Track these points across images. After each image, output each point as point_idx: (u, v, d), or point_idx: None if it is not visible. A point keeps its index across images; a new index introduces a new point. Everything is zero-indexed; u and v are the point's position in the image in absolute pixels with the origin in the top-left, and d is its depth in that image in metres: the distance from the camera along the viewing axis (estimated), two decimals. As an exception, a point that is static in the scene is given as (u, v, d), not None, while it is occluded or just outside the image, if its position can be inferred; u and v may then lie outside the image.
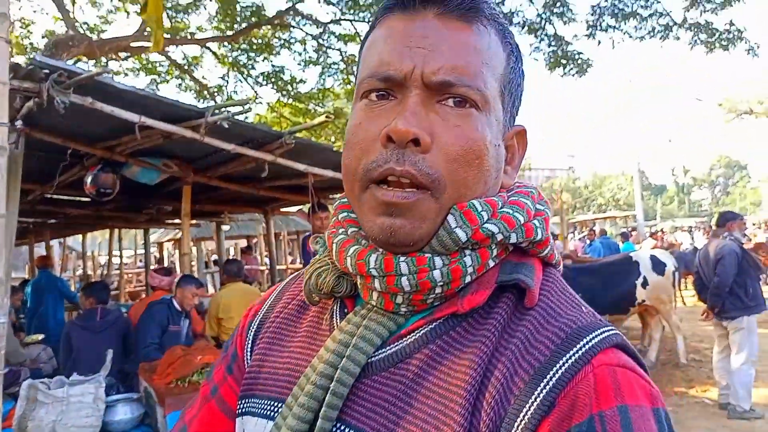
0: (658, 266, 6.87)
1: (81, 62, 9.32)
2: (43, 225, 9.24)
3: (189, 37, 11.38)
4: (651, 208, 51.21)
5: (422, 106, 0.60)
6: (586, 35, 10.27)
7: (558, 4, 9.99)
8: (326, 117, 5.12)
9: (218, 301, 5.11)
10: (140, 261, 17.92)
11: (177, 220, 7.95)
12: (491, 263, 0.63)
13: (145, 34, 9.44)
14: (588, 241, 13.13)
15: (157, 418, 3.49)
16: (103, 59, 9.72)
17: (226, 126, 3.78)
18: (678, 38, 10.01)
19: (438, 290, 0.61)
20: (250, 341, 0.78)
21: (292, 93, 12.17)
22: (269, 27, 11.39)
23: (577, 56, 10.40)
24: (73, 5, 10.30)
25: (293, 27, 11.47)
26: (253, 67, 12.07)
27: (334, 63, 11.97)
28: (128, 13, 11.22)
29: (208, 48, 11.75)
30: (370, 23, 0.69)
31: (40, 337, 5.81)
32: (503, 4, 10.19)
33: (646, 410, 0.52)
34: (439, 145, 0.59)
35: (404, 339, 0.63)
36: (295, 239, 15.20)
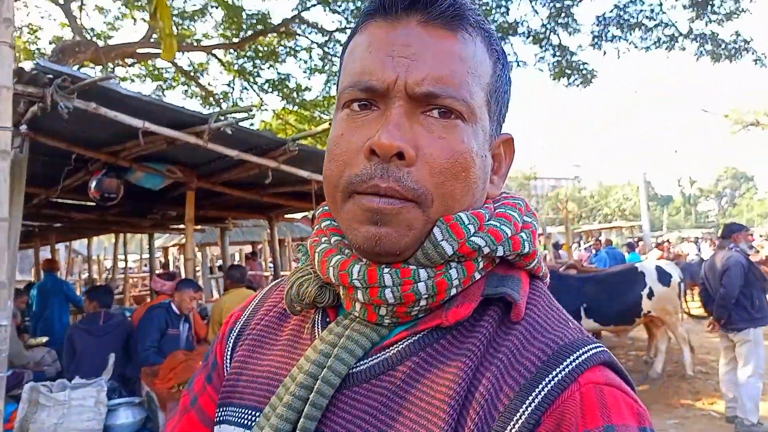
0: (663, 277, 6.82)
1: (87, 68, 9.39)
2: (48, 229, 9.26)
3: (195, 44, 11.44)
4: (657, 218, 51.04)
5: (406, 117, 0.58)
6: (591, 45, 10.28)
7: (563, 14, 10.01)
8: (330, 124, 5.13)
9: (221, 306, 5.10)
10: (145, 265, 17.96)
11: (181, 226, 7.97)
12: (477, 276, 0.62)
13: (152, 40, 9.51)
14: (593, 251, 13.06)
15: (158, 423, 3.48)
16: (110, 65, 9.78)
17: (230, 132, 3.79)
18: (684, 49, 10.00)
19: (423, 302, 0.60)
20: (229, 349, 0.77)
21: (298, 101, 12.22)
22: (275, 35, 11.46)
23: (581, 66, 10.40)
24: (81, 12, 10.39)
25: (299, 35, 11.53)
26: (258, 75, 12.13)
27: (340, 71, 11.97)
28: (135, 19, 11.31)
29: (214, 55, 11.82)
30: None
31: (45, 339, 5.82)
32: (507, 14, 10.22)
33: (633, 430, 0.51)
34: (425, 158, 0.57)
35: (387, 350, 0.61)
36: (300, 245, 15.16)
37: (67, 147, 4.03)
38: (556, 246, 15.30)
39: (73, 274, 15.81)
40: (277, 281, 0.84)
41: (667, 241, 23.42)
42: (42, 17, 17.64)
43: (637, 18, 9.99)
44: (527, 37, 10.47)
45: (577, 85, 10.63)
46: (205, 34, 12.10)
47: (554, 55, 10.54)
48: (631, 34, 10.18)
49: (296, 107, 12.47)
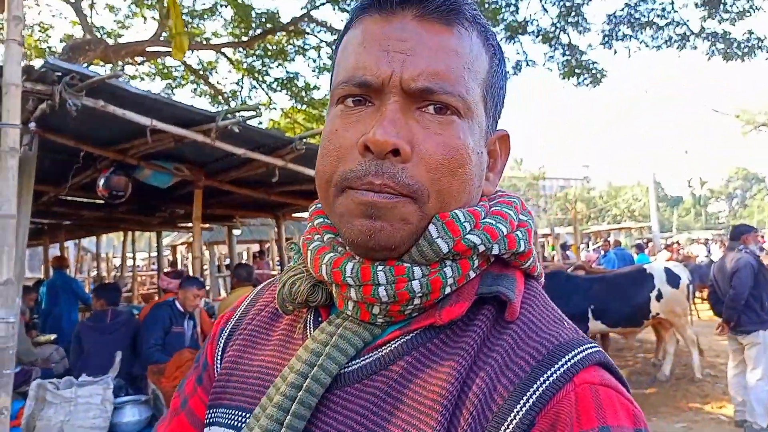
0: (672, 279, 6.77)
1: (97, 66, 9.44)
2: (57, 226, 9.32)
3: (204, 42, 11.48)
4: (667, 219, 50.73)
5: (401, 113, 0.57)
6: (601, 44, 10.22)
7: (573, 13, 9.95)
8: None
9: (228, 305, 5.11)
10: (153, 263, 18.06)
11: (189, 224, 7.99)
12: (472, 274, 0.61)
13: (161, 39, 9.54)
14: (602, 252, 13.00)
15: (164, 422, 3.48)
16: (119, 63, 9.83)
17: (237, 130, 3.79)
18: (695, 48, 9.94)
19: (416, 301, 0.59)
20: (220, 349, 0.76)
21: (306, 99, 12.22)
22: (284, 33, 11.47)
23: (591, 66, 10.34)
24: (91, 10, 10.45)
25: (308, 34, 11.54)
26: (267, 73, 12.15)
27: (348, 70, 11.97)
28: (145, 18, 11.36)
29: (223, 53, 11.85)
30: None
31: (53, 336, 5.86)
32: (517, 13, 10.18)
33: (628, 431, 0.50)
34: (420, 154, 0.57)
35: (379, 350, 0.61)
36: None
37: (75, 144, 4.04)
38: (564, 247, 15.24)
39: (83, 271, 15.92)
40: (269, 281, 0.83)
41: (677, 242, 23.27)
42: (53, 15, 17.81)
43: (648, 17, 9.93)
44: (537, 36, 10.43)
45: (587, 85, 10.58)
46: (215, 32, 12.14)
47: (564, 54, 10.49)
48: (642, 33, 10.13)
49: (305, 106, 12.48)
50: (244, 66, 12.03)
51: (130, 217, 8.00)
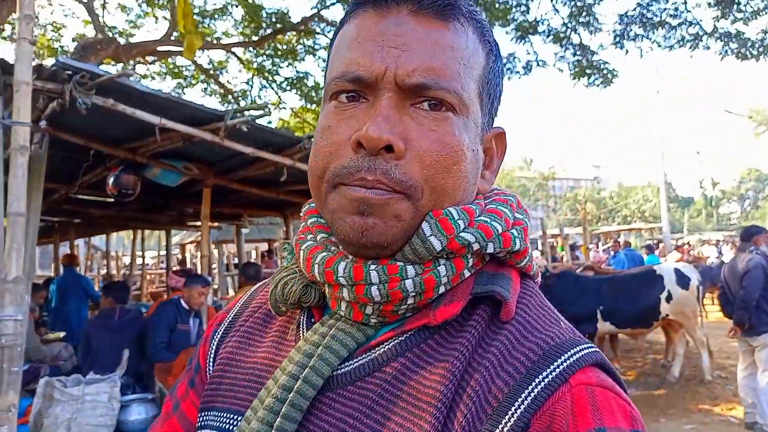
0: (682, 280, 6.72)
1: (109, 66, 9.49)
2: (67, 224, 9.39)
3: (215, 42, 11.52)
4: (678, 220, 50.30)
5: (395, 109, 0.56)
6: (613, 44, 10.15)
7: (584, 13, 9.89)
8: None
9: (235, 303, 5.12)
10: (163, 262, 18.19)
11: (198, 223, 8.02)
12: (466, 273, 0.60)
13: (172, 38, 9.59)
14: (612, 253, 12.92)
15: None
16: (131, 63, 9.89)
17: (246, 130, 3.80)
18: (708, 48, 9.83)
19: (410, 301, 0.58)
20: (212, 351, 0.75)
21: (316, 99, 12.23)
22: (294, 33, 11.48)
23: (602, 66, 10.27)
24: (103, 10, 10.52)
25: (318, 33, 11.54)
26: (277, 73, 12.16)
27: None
28: (156, 18, 11.42)
29: (233, 53, 11.88)
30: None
31: (62, 334, 5.90)
32: (528, 13, 10.13)
33: None
34: (414, 151, 0.56)
35: (373, 351, 0.60)
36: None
37: (85, 143, 4.07)
38: (573, 247, 15.18)
39: (93, 269, 16.02)
40: (263, 281, 0.82)
41: (688, 243, 23.09)
42: (65, 15, 17.86)
43: (661, 16, 9.85)
44: (548, 36, 10.37)
45: (598, 85, 10.51)
46: (225, 32, 12.18)
47: (575, 54, 10.43)
48: (654, 33, 10.04)
49: (314, 105, 12.49)
50: (255, 65, 12.06)
51: (139, 215, 8.05)
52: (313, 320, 0.66)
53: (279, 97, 12.50)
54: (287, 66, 12.10)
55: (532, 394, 0.51)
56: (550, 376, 0.52)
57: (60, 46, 11.02)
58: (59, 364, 4.86)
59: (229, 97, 12.33)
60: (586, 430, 0.49)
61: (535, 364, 0.53)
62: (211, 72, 12.25)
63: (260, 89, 12.58)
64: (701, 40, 9.79)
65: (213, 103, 13.27)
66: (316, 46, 11.89)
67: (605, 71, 10.31)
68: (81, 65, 3.18)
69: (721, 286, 5.60)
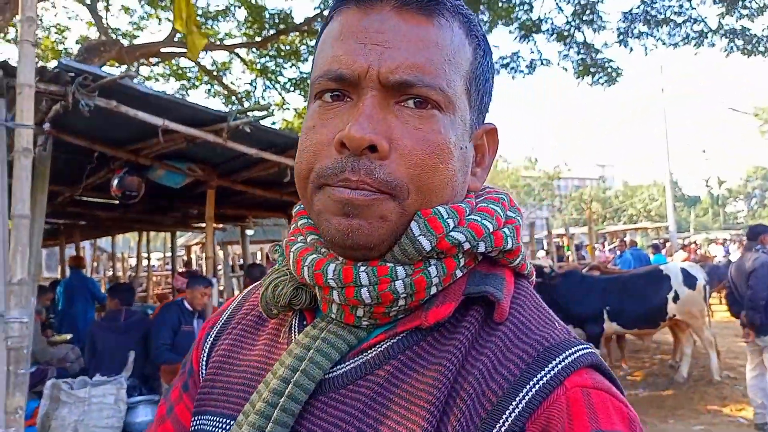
0: (689, 280, 6.68)
1: (113, 67, 9.52)
2: (73, 226, 9.41)
3: (218, 43, 11.54)
4: (684, 219, 50.14)
5: (379, 108, 0.55)
6: (617, 42, 10.11)
7: (588, 11, 9.86)
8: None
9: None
10: (169, 263, 18.24)
11: (202, 224, 8.03)
12: (459, 273, 0.59)
13: (175, 40, 9.60)
14: (618, 253, 12.87)
15: (176, 421, 3.49)
16: (134, 64, 9.91)
17: (248, 131, 3.79)
18: (713, 45, 9.79)
19: (401, 302, 0.57)
20: (205, 355, 0.74)
21: (320, 99, 12.22)
22: (297, 33, 11.49)
23: (606, 64, 10.24)
24: (106, 12, 10.55)
25: (321, 34, 11.54)
26: (280, 74, 12.18)
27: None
28: (160, 19, 11.45)
29: (237, 54, 11.91)
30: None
31: (68, 336, 5.91)
32: (531, 12, 10.11)
33: None
34: (399, 150, 0.55)
35: (365, 354, 0.59)
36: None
37: (89, 145, 4.07)
38: (578, 247, 15.13)
39: (99, 271, 16.08)
40: (256, 284, 0.81)
41: (694, 242, 22.99)
42: (69, 17, 18.00)
43: (665, 14, 9.80)
44: (551, 35, 10.34)
45: (602, 84, 10.47)
46: (228, 33, 12.20)
47: (579, 53, 10.40)
48: (658, 31, 10.00)
49: (318, 106, 12.48)
50: (258, 66, 12.08)
51: (144, 217, 8.06)
52: (305, 322, 0.65)
53: (282, 97, 12.52)
54: (290, 67, 12.12)
55: (527, 398, 0.50)
56: (544, 379, 0.51)
57: (64, 48, 11.07)
58: (66, 366, 4.87)
59: (233, 98, 12.35)
60: None
61: (529, 367, 0.52)
62: (215, 73, 12.28)
63: (264, 90, 12.61)
64: (706, 37, 9.76)
65: (217, 104, 13.31)
66: (320, 47, 11.89)
67: (609, 69, 10.29)
68: (83, 67, 3.18)
69: (728, 285, 5.56)
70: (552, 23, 10.34)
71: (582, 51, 10.37)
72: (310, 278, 0.59)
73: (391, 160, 0.55)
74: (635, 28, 10.07)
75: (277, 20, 10.80)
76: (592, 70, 10.35)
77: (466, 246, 0.57)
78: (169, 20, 10.76)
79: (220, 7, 11.32)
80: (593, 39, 11.20)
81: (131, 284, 6.50)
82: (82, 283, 7.45)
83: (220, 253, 12.35)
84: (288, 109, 13.31)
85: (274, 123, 10.89)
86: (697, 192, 67.20)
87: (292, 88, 12.16)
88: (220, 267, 11.33)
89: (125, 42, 10.24)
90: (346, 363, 0.59)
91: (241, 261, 12.99)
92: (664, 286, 6.67)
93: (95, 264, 15.57)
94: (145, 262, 12.95)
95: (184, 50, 8.65)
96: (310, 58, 12.15)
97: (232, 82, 12.94)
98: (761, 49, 9.45)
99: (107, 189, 4.80)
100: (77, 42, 11.26)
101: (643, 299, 6.59)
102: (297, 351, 0.60)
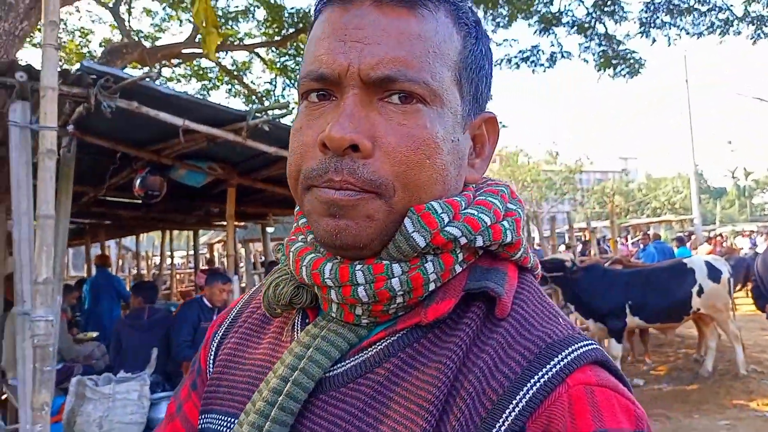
0: (713, 273, 6.56)
1: (135, 69, 9.65)
2: (98, 226, 9.58)
3: (238, 43, 11.62)
4: (710, 211, 49.21)
5: (361, 106, 0.54)
6: (639, 33, 9.94)
7: (609, 2, 9.71)
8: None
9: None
10: (191, 261, 18.49)
11: (224, 222, 8.11)
12: (458, 268, 0.58)
13: (197, 41, 9.69)
14: (641, 246, 12.68)
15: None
16: (156, 66, 10.03)
17: (267, 129, 3.82)
18: (739, 33, 9.56)
19: (399, 300, 0.57)
20: (212, 353, 0.74)
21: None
22: (316, 31, 11.51)
23: (629, 56, 10.07)
24: (129, 15, 10.69)
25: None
26: (300, 72, 12.22)
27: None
28: (181, 21, 11.56)
29: (257, 53, 11.97)
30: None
31: (95, 334, 6.03)
32: (551, 5, 9.98)
33: None
34: (383, 148, 0.54)
35: (365, 352, 0.58)
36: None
37: (112, 146, 4.14)
38: (599, 241, 14.96)
39: (124, 270, 16.35)
40: (262, 283, 0.81)
41: (720, 235, 22.57)
42: (93, 21, 18.34)
43: (689, 2, 9.61)
44: (572, 27, 10.21)
45: (624, 75, 10.31)
46: (248, 33, 12.27)
47: (600, 45, 10.25)
48: (682, 20, 9.80)
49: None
50: (278, 65, 12.13)
51: (166, 216, 8.18)
52: (307, 321, 0.65)
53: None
54: (310, 65, 12.14)
55: (527, 396, 0.49)
56: (546, 377, 0.50)
57: (88, 51, 11.25)
58: (92, 363, 4.97)
59: (253, 97, 12.44)
60: None
61: (530, 364, 0.51)
62: (235, 73, 12.37)
63: (283, 89, 12.65)
64: (732, 26, 9.53)
65: (237, 103, 13.40)
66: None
67: (632, 61, 10.11)
68: (105, 69, 3.23)
69: (754, 279, 5.46)
70: (572, 15, 10.20)
71: (603, 43, 10.22)
72: (308, 278, 0.59)
73: (375, 158, 0.54)
74: (658, 18, 9.88)
75: (296, 19, 10.82)
76: (613, 61, 10.18)
77: (463, 240, 0.56)
78: (190, 21, 10.87)
79: (240, 7, 11.39)
80: (614, 30, 11.02)
81: (154, 282, 6.60)
82: (107, 282, 7.59)
83: (242, 251, 12.47)
84: (307, 107, 13.36)
85: (293, 121, 10.93)
86: (722, 183, 65.95)
87: (311, 86, 12.18)
88: (241, 264, 11.45)
89: (147, 44, 10.37)
90: (347, 361, 0.59)
91: (263, 258, 13.10)
92: (689, 279, 6.56)
93: (120, 262, 15.84)
94: (168, 261, 13.14)
95: (204, 51, 8.74)
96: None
97: (252, 82, 13.03)
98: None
99: (130, 189, 4.88)
100: (101, 45, 11.44)
101: (666, 293, 6.49)
102: (297, 350, 0.60)
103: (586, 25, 10.08)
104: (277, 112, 4.04)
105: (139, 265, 14.45)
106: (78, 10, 11.27)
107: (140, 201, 5.55)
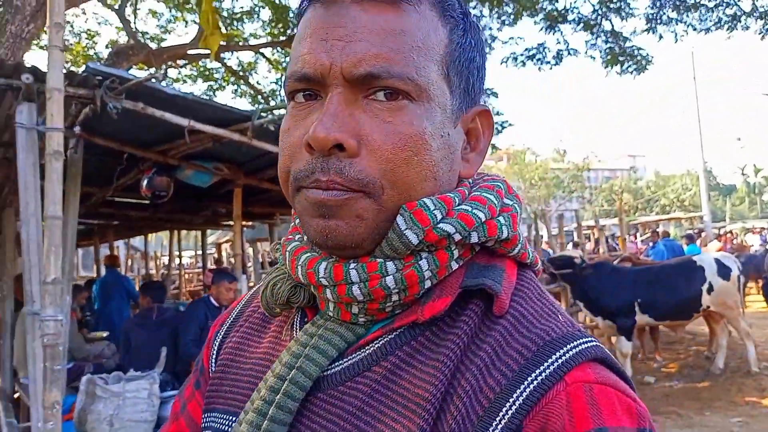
0: (723, 270, 6.53)
1: (141, 70, 9.71)
2: (106, 227, 9.63)
3: (243, 43, 11.66)
4: (719, 209, 48.91)
5: (345, 105, 0.54)
6: (645, 29, 9.89)
7: (615, -1, 9.67)
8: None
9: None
10: (200, 261, 18.57)
11: (231, 222, 8.14)
12: (454, 265, 0.57)
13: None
14: (650, 244, 12.61)
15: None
16: (162, 67, 10.09)
17: (272, 129, 3.83)
18: (747, 28, 9.50)
19: (395, 297, 0.56)
20: (215, 352, 0.74)
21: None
22: (321, 31, 11.53)
23: (636, 52, 10.02)
24: (135, 16, 10.75)
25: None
26: (305, 72, 12.24)
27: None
28: (186, 22, 11.61)
29: (262, 54, 12.01)
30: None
31: (105, 333, 6.07)
32: (557, 2, 9.95)
33: (630, 431, 0.46)
34: (369, 146, 0.54)
35: (362, 350, 0.58)
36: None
37: (118, 147, 4.16)
38: (607, 239, 14.90)
39: (133, 270, 16.44)
40: (262, 282, 0.82)
41: (730, 232, 22.42)
42: (99, 23, 18.44)
43: (696, -1, 9.55)
44: (578, 25, 10.17)
45: (631, 72, 10.26)
46: (253, 33, 12.31)
47: (606, 42, 10.21)
48: (688, 16, 9.75)
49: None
50: (283, 65, 12.16)
51: (174, 216, 8.20)
52: (306, 320, 0.65)
53: (307, 94, 12.58)
54: (315, 64, 12.16)
55: (524, 394, 0.48)
56: (543, 374, 0.49)
57: (94, 53, 11.32)
58: (103, 362, 5.00)
59: (259, 97, 12.47)
60: (584, 431, 0.46)
61: (528, 362, 0.50)
62: (241, 74, 12.41)
63: (289, 88, 12.70)
64: (739, 21, 9.47)
65: (243, 104, 13.44)
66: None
67: (639, 57, 10.07)
68: (110, 70, 3.25)
69: (765, 276, 5.42)
70: (578, 12, 10.17)
71: (610, 40, 10.17)
72: (304, 277, 0.58)
73: (362, 157, 0.54)
74: (664, 14, 9.84)
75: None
76: (620, 58, 10.14)
77: (457, 237, 0.55)
78: (195, 22, 10.92)
79: (245, 8, 11.44)
80: (621, 27, 10.96)
81: (163, 282, 6.64)
82: (117, 281, 7.64)
83: (250, 251, 12.50)
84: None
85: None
86: (732, 180, 65.47)
87: (316, 86, 12.21)
88: (249, 264, 11.48)
89: (153, 45, 10.42)
90: (344, 360, 0.58)
91: (270, 258, 13.14)
92: (698, 277, 6.52)
93: (129, 262, 15.92)
94: (177, 260, 13.20)
95: (209, 51, 8.78)
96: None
97: (258, 82, 13.07)
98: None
99: (137, 189, 4.90)
100: (107, 46, 11.52)
101: (675, 290, 6.46)
102: (295, 348, 0.60)
103: (592, 22, 10.04)
104: (282, 111, 4.05)
105: (148, 265, 14.52)
106: (84, 13, 11.37)
107: (148, 201, 5.58)
